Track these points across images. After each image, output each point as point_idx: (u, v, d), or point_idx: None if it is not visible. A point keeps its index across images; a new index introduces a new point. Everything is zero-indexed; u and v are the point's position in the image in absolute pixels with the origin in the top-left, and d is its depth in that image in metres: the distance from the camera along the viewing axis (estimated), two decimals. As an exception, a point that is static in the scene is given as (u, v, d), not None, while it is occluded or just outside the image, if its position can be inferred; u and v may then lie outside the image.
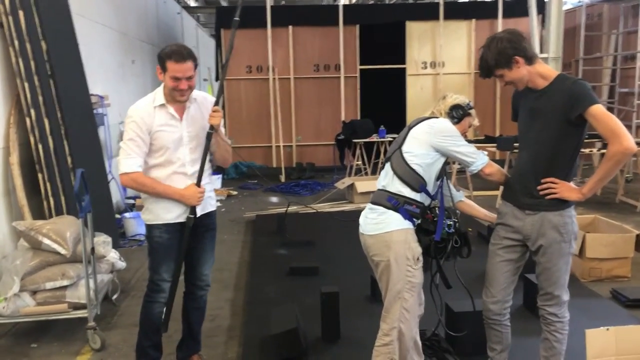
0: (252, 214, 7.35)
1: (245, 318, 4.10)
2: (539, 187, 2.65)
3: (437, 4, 10.76)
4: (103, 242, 4.36)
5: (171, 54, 2.85)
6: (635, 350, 2.87)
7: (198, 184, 3.01)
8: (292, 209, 7.46)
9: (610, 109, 10.60)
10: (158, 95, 2.98)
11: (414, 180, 2.73)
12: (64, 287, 3.84)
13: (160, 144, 2.96)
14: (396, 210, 2.74)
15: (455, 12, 10.82)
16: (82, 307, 3.81)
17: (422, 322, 3.30)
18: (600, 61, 10.86)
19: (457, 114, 2.84)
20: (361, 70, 10.86)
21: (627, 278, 4.74)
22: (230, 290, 4.76)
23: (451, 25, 10.67)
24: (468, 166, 2.76)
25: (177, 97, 2.93)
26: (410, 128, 2.83)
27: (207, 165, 3.11)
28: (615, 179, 7.85)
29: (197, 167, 3.02)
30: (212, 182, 3.26)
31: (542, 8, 9.45)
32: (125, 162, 2.92)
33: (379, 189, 2.85)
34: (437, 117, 2.84)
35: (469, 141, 2.97)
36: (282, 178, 10.16)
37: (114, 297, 4.52)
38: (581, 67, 10.88)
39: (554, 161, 2.63)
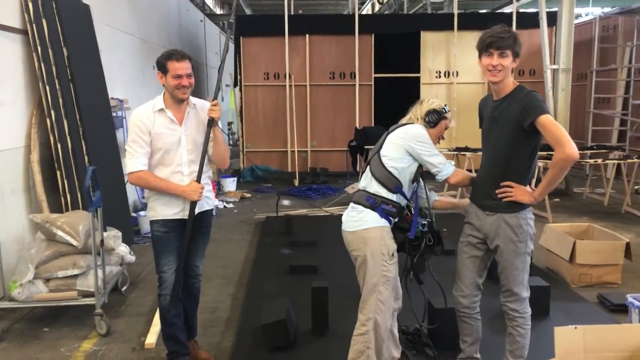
0: (263, 216, 7.62)
1: (242, 311, 4.34)
2: (497, 191, 2.86)
3: (452, 14, 10.97)
4: (114, 236, 4.66)
5: (170, 55, 3.14)
6: (603, 348, 3.02)
7: (198, 180, 3.25)
8: (302, 211, 7.73)
9: (623, 122, 10.64)
10: (158, 101, 3.25)
11: (390, 181, 2.96)
12: (75, 276, 4.14)
13: (159, 146, 3.22)
14: (373, 209, 2.97)
15: (469, 23, 10.94)
16: (90, 295, 4.09)
17: (405, 317, 3.52)
18: (614, 73, 10.88)
19: (432, 118, 3.05)
20: (376, 78, 11.08)
21: (617, 285, 4.85)
22: (233, 286, 5.01)
23: (465, 35, 10.78)
24: (435, 174, 3.00)
25: (179, 95, 3.17)
26: (389, 133, 3.06)
27: (206, 167, 3.37)
28: (623, 190, 7.91)
29: (193, 167, 3.27)
30: (209, 184, 3.47)
31: (554, 20, 9.55)
32: (131, 162, 3.19)
33: (359, 190, 3.09)
34: (413, 124, 3.06)
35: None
36: (296, 182, 10.42)
37: (123, 288, 4.81)
38: (594, 78, 10.93)
39: (510, 166, 2.84)
